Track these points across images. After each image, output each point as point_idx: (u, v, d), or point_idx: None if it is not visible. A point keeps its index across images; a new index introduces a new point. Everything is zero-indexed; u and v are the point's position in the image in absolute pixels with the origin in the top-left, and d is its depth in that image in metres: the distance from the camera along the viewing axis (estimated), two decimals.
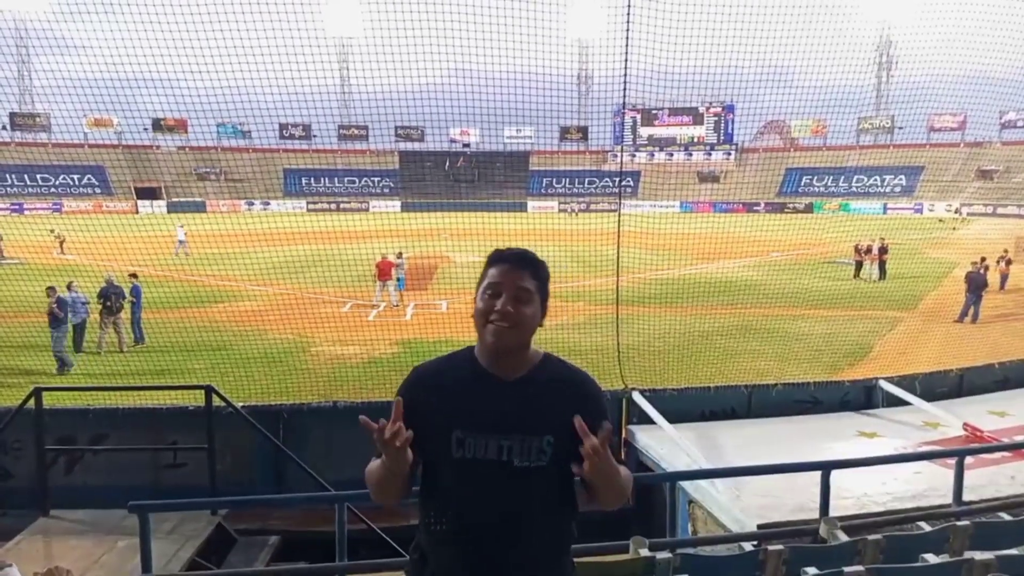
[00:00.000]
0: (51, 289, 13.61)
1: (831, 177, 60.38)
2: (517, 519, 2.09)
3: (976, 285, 17.99)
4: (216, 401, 6.60)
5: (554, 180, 66.36)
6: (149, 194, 56.94)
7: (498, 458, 2.07)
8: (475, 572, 2.12)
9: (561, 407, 2.10)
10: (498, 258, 2.16)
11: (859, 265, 24.66)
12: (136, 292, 15.54)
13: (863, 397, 8.56)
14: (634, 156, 67.20)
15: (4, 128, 57.88)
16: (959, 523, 4.11)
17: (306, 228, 33.19)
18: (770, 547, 3.83)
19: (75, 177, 56.73)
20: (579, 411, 2.10)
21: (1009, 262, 22.62)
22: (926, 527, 4.46)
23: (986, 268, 21.09)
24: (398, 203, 57.50)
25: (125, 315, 15.27)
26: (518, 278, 2.11)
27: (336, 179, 63.66)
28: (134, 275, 15.98)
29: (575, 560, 2.37)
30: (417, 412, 2.08)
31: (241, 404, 7.09)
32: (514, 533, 2.10)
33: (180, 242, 29.69)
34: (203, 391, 6.64)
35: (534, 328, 2.15)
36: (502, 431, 2.08)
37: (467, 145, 65.42)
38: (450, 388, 2.13)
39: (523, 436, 2.08)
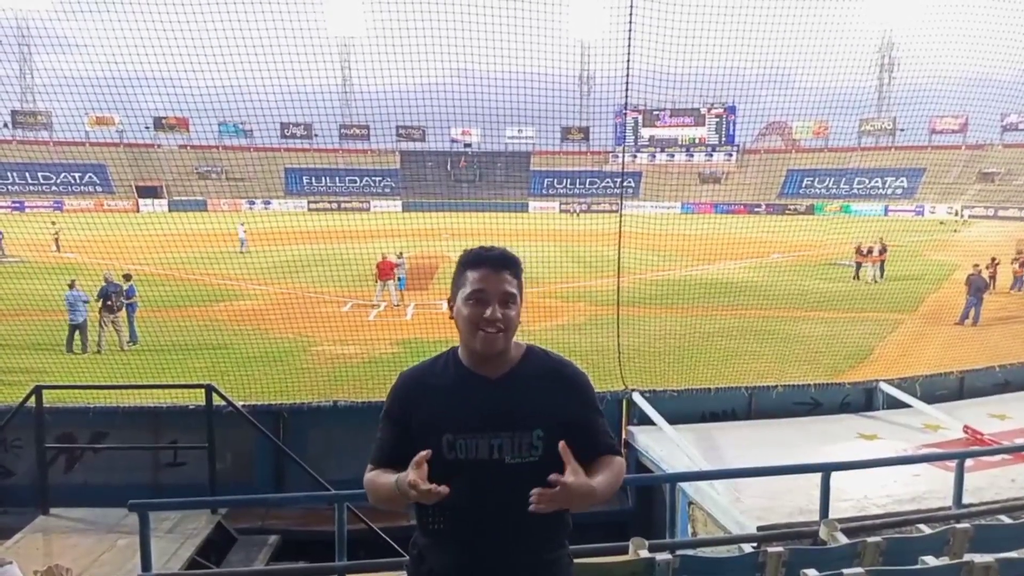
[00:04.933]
0: None
1: (832, 179, 60.33)
2: (513, 515, 2.09)
3: (977, 287, 17.98)
4: (216, 400, 6.60)
5: (555, 180, 66.35)
6: (150, 193, 56.92)
7: (489, 457, 2.09)
8: (474, 568, 2.14)
9: (548, 400, 2.14)
10: (477, 261, 2.14)
11: (859, 266, 24.69)
12: (131, 292, 15.56)
13: (863, 399, 8.56)
14: (635, 157, 67.18)
15: (6, 126, 57.90)
16: (959, 526, 4.10)
17: (307, 227, 33.23)
18: (770, 549, 3.82)
19: (76, 175, 56.72)
20: (566, 401, 2.16)
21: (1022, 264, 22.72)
22: (926, 529, 4.46)
23: (997, 265, 21.22)
24: (399, 203, 57.50)
25: (122, 315, 15.28)
26: (503, 282, 2.11)
27: (337, 178, 63.70)
28: (128, 276, 15.97)
29: (575, 561, 2.37)
30: (408, 417, 2.14)
31: (241, 403, 7.08)
32: (511, 529, 2.11)
33: (241, 241, 30.21)
34: (203, 390, 6.63)
35: (518, 326, 2.16)
36: (491, 430, 2.09)
37: (468, 145, 65.45)
38: (437, 391, 2.14)
39: (512, 433, 2.09)
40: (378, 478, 2.13)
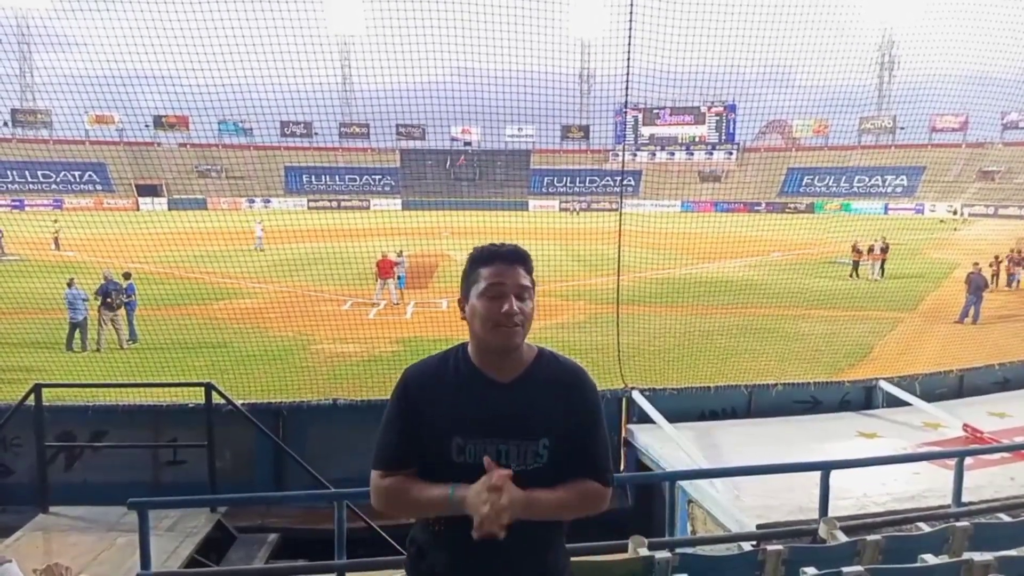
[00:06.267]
0: None
1: (832, 177, 60.33)
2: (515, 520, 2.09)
3: (976, 286, 17.99)
4: (216, 398, 6.60)
5: (555, 179, 66.32)
6: (150, 191, 56.93)
7: (495, 462, 2.07)
8: (473, 569, 2.13)
9: (557, 409, 2.11)
10: (491, 257, 2.11)
11: (856, 264, 24.71)
12: (130, 291, 15.56)
13: (863, 397, 8.56)
14: (635, 155, 67.13)
15: (5, 124, 57.86)
16: (958, 524, 4.10)
17: (307, 226, 33.22)
18: (769, 547, 3.83)
19: (76, 174, 56.65)
20: (574, 411, 2.13)
21: (1018, 262, 22.79)
22: (925, 528, 4.45)
23: (1000, 263, 21.31)
24: (399, 201, 57.49)
25: (122, 313, 15.28)
26: (517, 276, 2.09)
27: (337, 177, 63.65)
28: (127, 274, 15.97)
29: (575, 560, 2.37)
30: (417, 416, 2.10)
31: (241, 402, 7.09)
32: (511, 533, 2.10)
33: (258, 238, 30.40)
34: (203, 388, 6.63)
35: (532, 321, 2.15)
36: (500, 435, 2.07)
37: (468, 143, 65.39)
38: (448, 391, 2.11)
39: (520, 440, 2.07)
40: (413, 487, 2.08)
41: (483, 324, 2.07)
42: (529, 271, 2.14)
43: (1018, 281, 22.75)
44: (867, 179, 60.29)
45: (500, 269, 2.09)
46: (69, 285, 14.65)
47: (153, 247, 23.81)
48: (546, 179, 66.41)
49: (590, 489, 2.12)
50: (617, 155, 65.17)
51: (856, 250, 24.80)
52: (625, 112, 58.92)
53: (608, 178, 60.87)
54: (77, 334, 14.66)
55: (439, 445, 2.07)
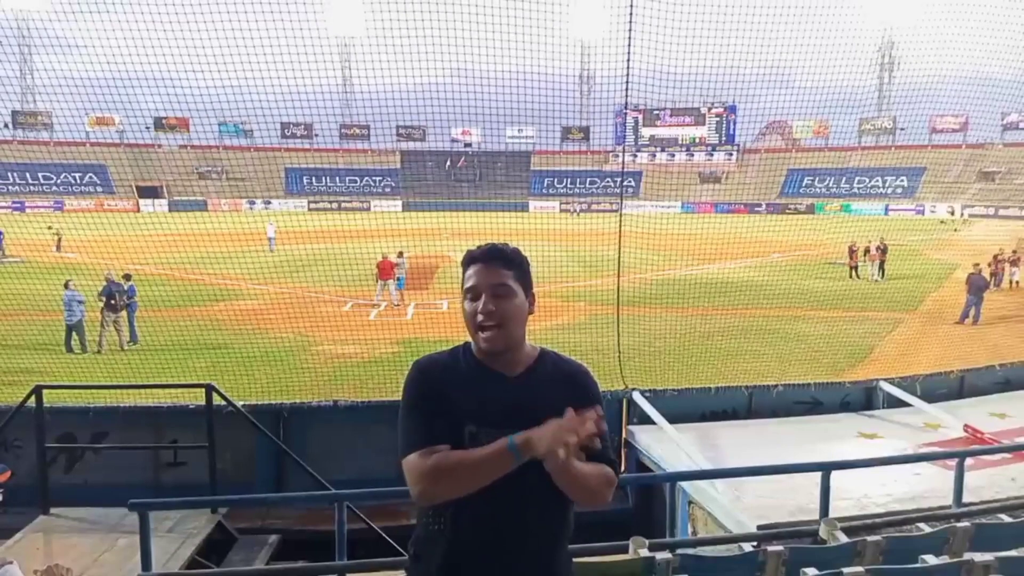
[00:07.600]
0: None
1: (833, 178, 60.35)
2: (518, 512, 2.10)
3: (977, 287, 17.99)
4: (217, 400, 6.60)
5: (555, 180, 66.34)
6: (151, 193, 57.00)
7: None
8: (476, 566, 2.14)
9: (563, 402, 2.12)
10: (470, 259, 2.17)
11: (854, 267, 24.70)
12: (131, 292, 15.56)
13: (864, 398, 8.55)
14: (636, 156, 67.16)
15: (6, 126, 57.95)
16: (959, 524, 4.10)
17: (307, 227, 33.20)
18: (770, 548, 3.82)
19: (77, 175, 56.75)
20: (580, 405, 2.11)
21: (1015, 262, 22.84)
22: (926, 528, 4.45)
23: (1000, 262, 21.33)
24: (399, 202, 57.51)
25: (123, 314, 15.28)
26: (492, 276, 2.12)
27: (337, 178, 63.73)
28: (128, 276, 15.96)
29: (575, 560, 2.38)
30: (436, 398, 2.12)
31: (242, 403, 7.08)
32: (514, 525, 2.12)
33: (271, 239, 30.48)
34: (204, 389, 6.63)
35: (523, 319, 2.15)
36: (510, 426, 2.07)
37: (468, 145, 65.46)
38: (459, 382, 2.14)
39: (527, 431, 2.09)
40: (462, 454, 2.02)
41: (467, 326, 2.14)
42: (511, 267, 2.15)
43: (1018, 281, 22.75)
44: (867, 180, 60.30)
45: (476, 270, 2.14)
46: (66, 286, 14.64)
47: (154, 249, 23.82)
48: (546, 180, 66.44)
49: (607, 473, 2.16)
50: (617, 156, 65.22)
51: (851, 252, 24.78)
52: (625, 113, 58.91)
53: (608, 179, 60.88)
54: (74, 336, 14.65)
55: (453, 432, 2.09)
